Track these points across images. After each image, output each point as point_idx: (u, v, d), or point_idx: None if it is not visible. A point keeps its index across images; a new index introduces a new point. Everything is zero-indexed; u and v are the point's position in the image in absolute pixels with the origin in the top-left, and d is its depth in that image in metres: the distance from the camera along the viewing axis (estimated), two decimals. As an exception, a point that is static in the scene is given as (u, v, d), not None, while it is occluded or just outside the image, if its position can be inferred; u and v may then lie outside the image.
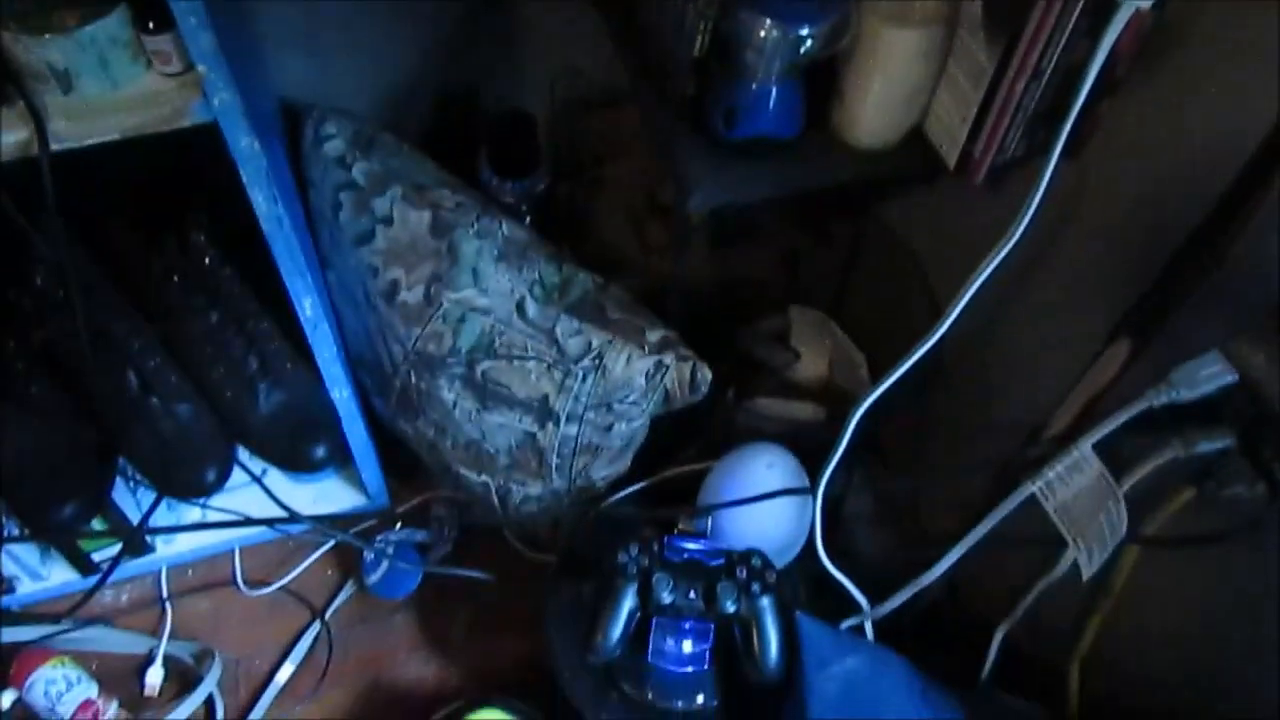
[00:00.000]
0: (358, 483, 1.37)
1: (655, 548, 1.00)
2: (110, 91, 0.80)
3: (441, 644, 1.35)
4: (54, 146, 0.78)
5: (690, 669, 1.04)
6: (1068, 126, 0.77)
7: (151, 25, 0.78)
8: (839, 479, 1.09)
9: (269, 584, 1.36)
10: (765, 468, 1.08)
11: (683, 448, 1.28)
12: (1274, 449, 0.74)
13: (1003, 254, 0.82)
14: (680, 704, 1.04)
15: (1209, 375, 0.76)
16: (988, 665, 1.10)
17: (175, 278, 1.05)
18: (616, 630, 0.99)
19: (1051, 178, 0.79)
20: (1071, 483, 0.84)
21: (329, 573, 1.39)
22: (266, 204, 0.91)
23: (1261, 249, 0.75)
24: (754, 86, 0.89)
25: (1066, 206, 0.92)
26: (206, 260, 1.07)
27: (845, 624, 1.08)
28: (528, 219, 1.31)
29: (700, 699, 1.05)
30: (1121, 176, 0.88)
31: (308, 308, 1.04)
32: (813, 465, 1.07)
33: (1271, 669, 0.82)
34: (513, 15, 1.31)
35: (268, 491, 1.14)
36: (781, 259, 1.44)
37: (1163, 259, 0.81)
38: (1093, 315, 0.91)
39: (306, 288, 1.01)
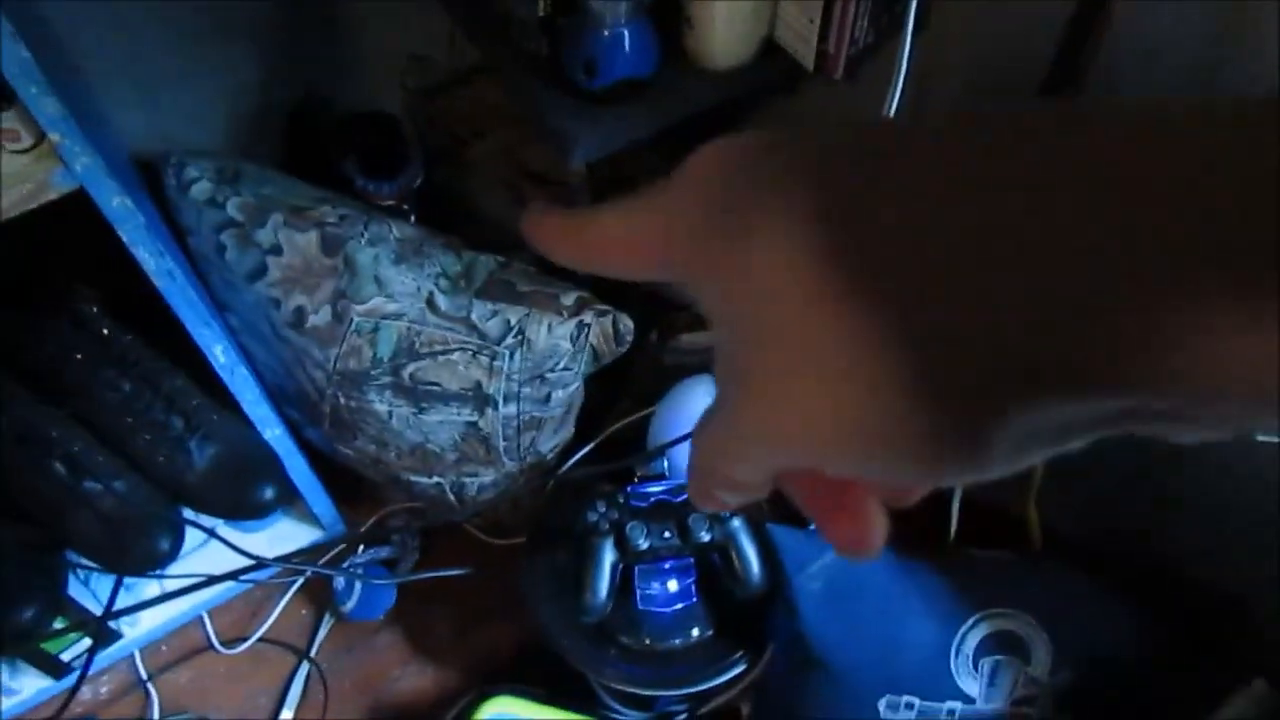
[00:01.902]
0: (309, 517, 1.35)
1: (621, 499, 1.03)
2: (-35, 182, 0.77)
3: (432, 650, 1.35)
4: (-77, 251, 0.75)
5: (680, 605, 1.07)
6: (912, 2, 0.80)
7: (-9, 105, 0.75)
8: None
9: (246, 638, 1.35)
10: (705, 396, 1.11)
11: (618, 401, 1.30)
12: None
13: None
14: (678, 641, 1.07)
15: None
16: (953, 525, 1.15)
17: (77, 355, 1.02)
18: (603, 586, 1.01)
19: (910, 53, 0.82)
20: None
21: (303, 612, 1.38)
22: (154, 260, 0.89)
23: (1119, 59, 0.79)
24: (606, 33, 0.90)
25: (927, 79, 0.96)
26: (104, 330, 1.04)
27: (813, 524, 1.12)
28: (412, 216, 1.31)
29: (696, 631, 1.08)
30: (972, 34, 0.91)
31: (220, 354, 1.02)
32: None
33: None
34: (344, 17, 1.29)
35: (226, 542, 1.12)
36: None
37: (1032, 94, 0.85)
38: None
39: (214, 335, 1.00)
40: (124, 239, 0.86)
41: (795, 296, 0.20)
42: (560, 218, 0.27)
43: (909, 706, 1.02)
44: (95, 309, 1.03)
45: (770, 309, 0.21)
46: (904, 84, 0.83)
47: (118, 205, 0.83)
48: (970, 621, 1.01)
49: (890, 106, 0.84)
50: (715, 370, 0.24)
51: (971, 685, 1.01)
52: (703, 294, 0.23)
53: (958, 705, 1.01)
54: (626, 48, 0.92)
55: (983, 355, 0.18)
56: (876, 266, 0.19)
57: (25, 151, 0.79)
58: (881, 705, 1.01)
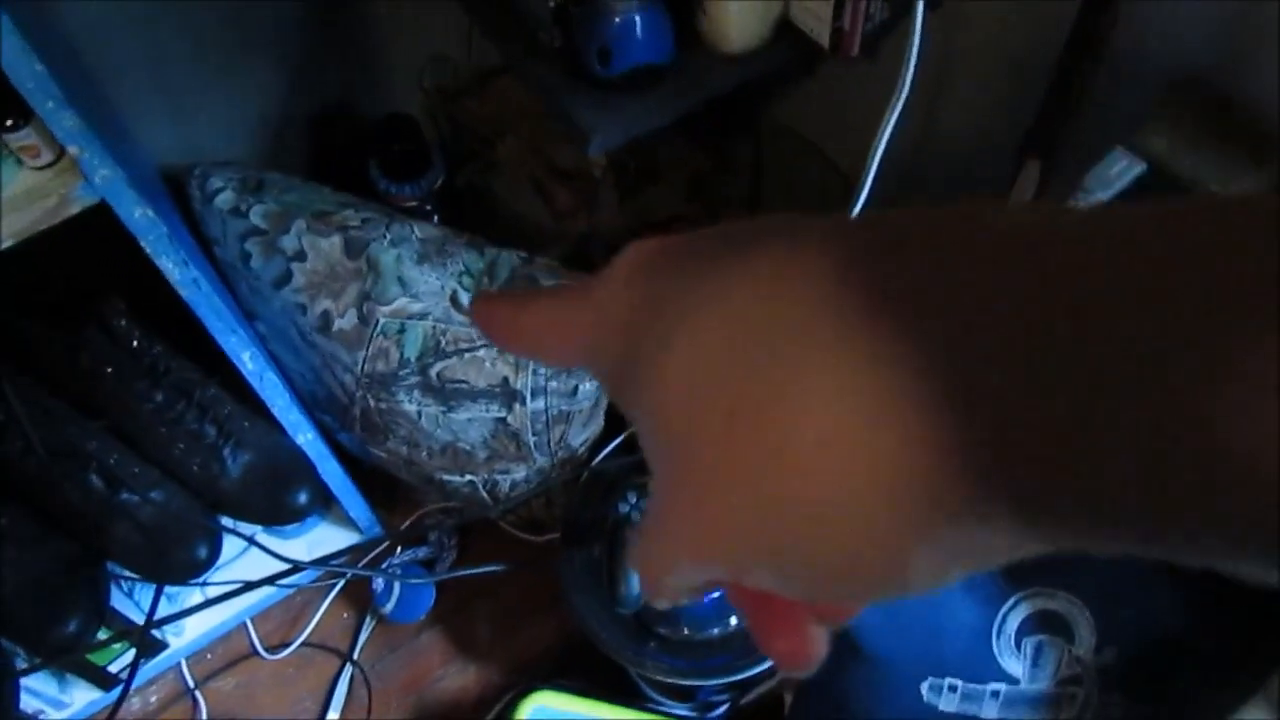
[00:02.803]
0: (346, 521, 1.36)
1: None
2: (-10, 199, 0.78)
3: (473, 648, 1.36)
4: (-49, 269, 0.76)
5: (717, 594, 1.06)
6: (925, -26, 0.78)
7: (10, 123, 0.76)
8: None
9: (290, 643, 1.36)
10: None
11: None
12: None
13: (896, 112, 0.84)
14: (717, 630, 1.07)
15: (1119, 171, 0.79)
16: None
17: (109, 369, 1.03)
18: (637, 579, 1.00)
19: (923, 26, 0.80)
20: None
21: (344, 615, 1.39)
22: (178, 269, 0.90)
23: (1136, 40, 0.78)
24: (618, 20, 0.90)
25: (945, 51, 0.94)
26: (135, 343, 1.05)
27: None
28: (435, 217, 1.31)
29: (734, 620, 1.07)
30: (987, 8, 0.90)
31: (248, 361, 1.03)
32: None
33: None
34: (364, 23, 1.30)
35: (264, 548, 1.13)
36: (689, 189, 1.45)
37: (1047, 70, 0.84)
38: (998, 148, 0.93)
39: (242, 342, 1.00)
40: (147, 250, 0.86)
41: (703, 412, 0.20)
42: (500, 302, 0.27)
43: (952, 689, 1.00)
44: (125, 321, 1.04)
45: (680, 424, 0.20)
46: (917, 61, 0.82)
47: (140, 217, 0.84)
48: (1011, 602, 1.00)
49: (903, 85, 0.83)
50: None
51: (1015, 666, 0.99)
52: (623, 400, 0.23)
53: (1002, 686, 0.99)
54: (639, 34, 0.91)
55: (907, 477, 0.18)
56: (773, 383, 0.19)
57: (46, 167, 0.80)
58: (924, 688, 1.00)
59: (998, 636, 0.99)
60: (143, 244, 0.86)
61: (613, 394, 0.23)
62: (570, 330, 0.24)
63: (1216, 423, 0.14)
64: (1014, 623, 0.99)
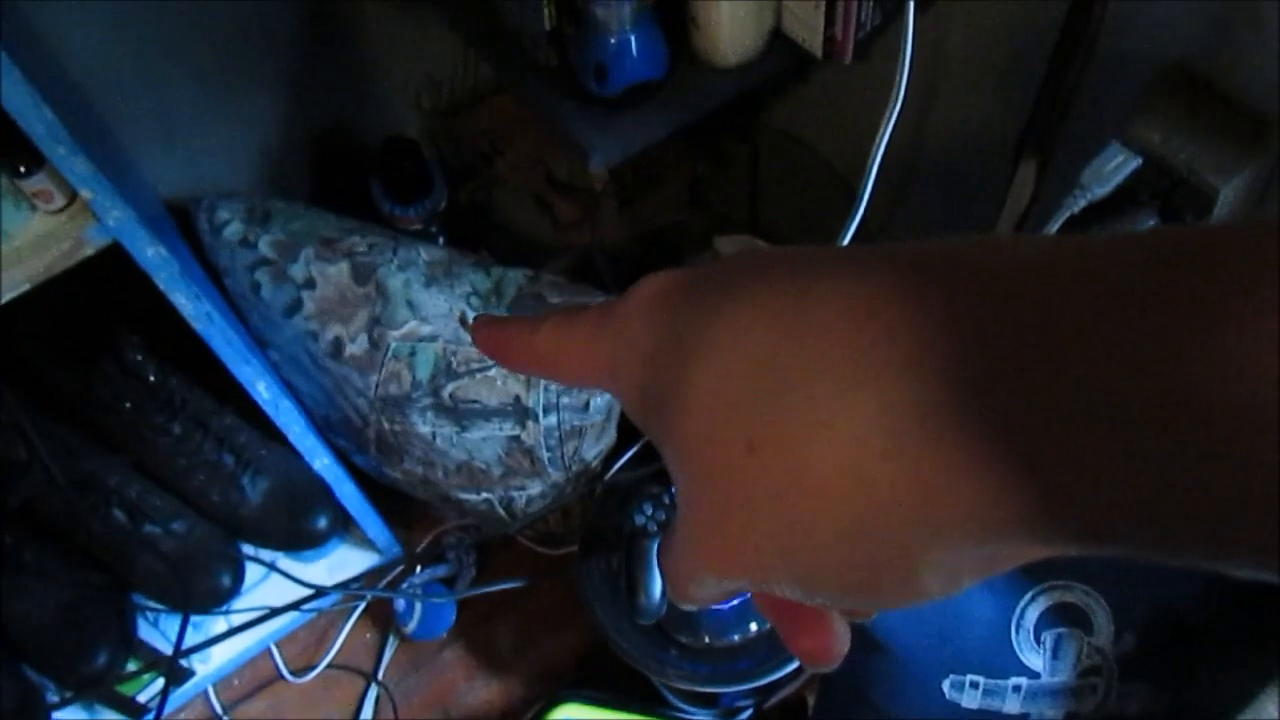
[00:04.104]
0: (366, 542, 1.37)
1: (667, 499, 1.03)
2: (5, 245, 0.80)
3: (496, 663, 1.37)
4: (-30, 315, 0.77)
5: (736, 600, 1.08)
6: (913, -20, 0.79)
7: (23, 169, 0.77)
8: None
9: (315, 666, 1.37)
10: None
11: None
12: (1194, 210, 0.78)
13: (894, 116, 0.85)
14: (737, 636, 1.08)
15: (1116, 166, 0.80)
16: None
17: (127, 403, 1.05)
18: (655, 586, 1.01)
19: (915, 31, 0.81)
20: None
21: (367, 636, 1.40)
22: (191, 304, 0.91)
23: (1123, 30, 0.78)
24: (613, 39, 0.91)
25: (936, 52, 0.95)
26: (151, 377, 1.07)
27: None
28: (441, 238, 1.32)
29: (754, 625, 1.08)
30: (977, 8, 0.91)
31: (263, 390, 1.04)
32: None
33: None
34: (359, 48, 1.31)
35: (286, 574, 1.15)
36: (690, 196, 1.46)
37: (1039, 68, 0.84)
38: (992, 146, 0.94)
39: (256, 371, 1.02)
40: (160, 286, 0.88)
41: (725, 442, 0.21)
42: (510, 325, 0.28)
43: (974, 685, 1.01)
44: (141, 355, 1.06)
45: (703, 452, 0.21)
46: (910, 63, 0.83)
47: (152, 255, 0.85)
48: (1028, 596, 1.00)
49: (899, 88, 0.84)
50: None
51: (1035, 659, 1.00)
52: (644, 425, 0.24)
53: (1023, 680, 1.00)
54: (634, 52, 0.93)
55: (917, 501, 0.19)
56: (793, 414, 0.20)
57: (59, 211, 0.81)
58: (946, 685, 1.01)
59: (1017, 631, 0.99)
60: (156, 281, 0.87)
61: (633, 417, 0.24)
62: (586, 356, 0.25)
63: (1218, 457, 0.15)
64: (1032, 616, 0.99)
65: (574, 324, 0.26)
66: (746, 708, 1.17)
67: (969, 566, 0.21)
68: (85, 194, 0.78)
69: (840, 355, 0.19)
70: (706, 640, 1.07)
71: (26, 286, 0.79)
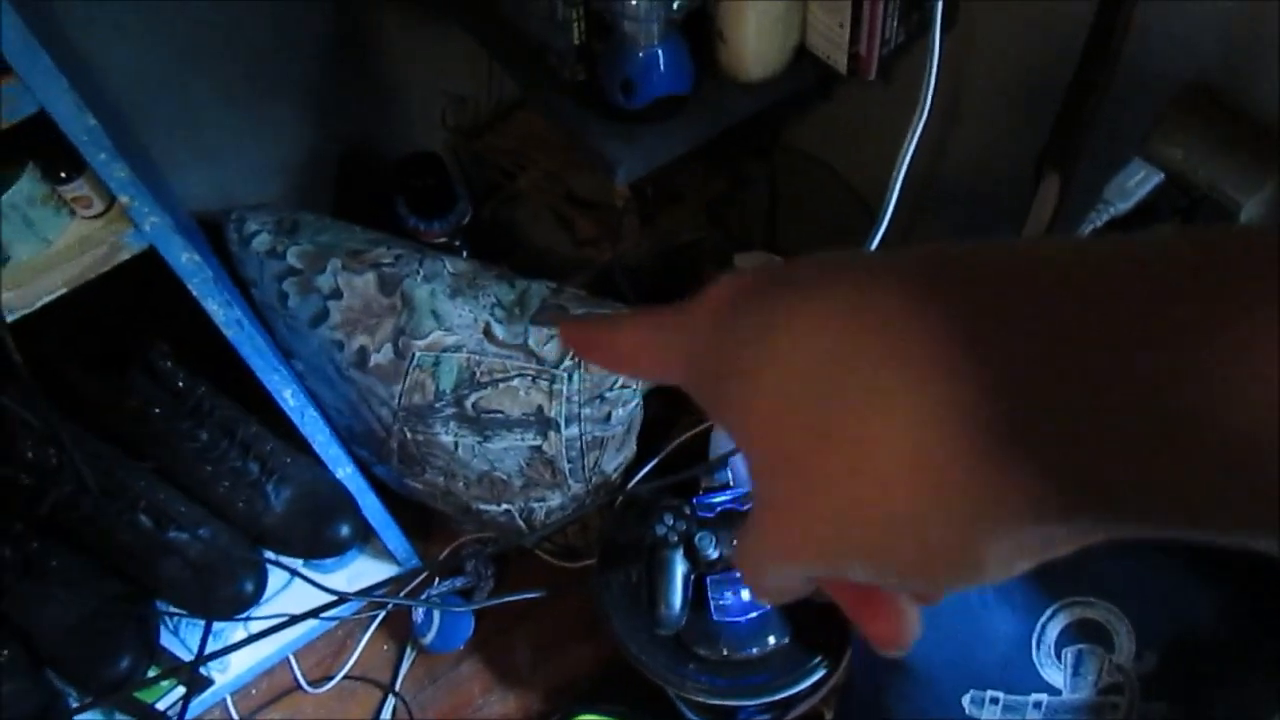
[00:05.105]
0: (385, 554, 1.38)
1: (688, 511, 1.03)
2: (44, 249, 0.81)
3: (513, 677, 1.37)
4: (9, 319, 0.78)
5: (755, 614, 1.08)
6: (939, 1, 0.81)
7: (64, 174, 0.79)
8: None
9: (332, 677, 1.37)
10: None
11: (678, 417, 1.31)
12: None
13: (918, 132, 0.86)
14: (756, 650, 1.08)
15: (1137, 182, 0.80)
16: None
17: (156, 409, 1.06)
18: (676, 597, 1.02)
19: (940, 50, 0.83)
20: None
21: (384, 648, 1.40)
22: (223, 310, 0.92)
23: (1144, 47, 0.79)
24: (641, 54, 0.92)
25: (959, 70, 0.96)
26: (180, 384, 1.08)
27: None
28: (464, 252, 1.34)
29: (772, 639, 1.08)
30: (1000, 27, 0.92)
31: (290, 398, 1.05)
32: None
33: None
34: (385, 64, 1.33)
35: (308, 579, 1.15)
36: (709, 214, 1.48)
37: (1061, 84, 0.85)
38: (1015, 163, 0.95)
39: (283, 380, 1.03)
40: (194, 292, 0.89)
41: (797, 429, 0.22)
42: (593, 325, 0.30)
43: (994, 701, 1.01)
44: (170, 363, 1.07)
45: (778, 440, 0.23)
46: (936, 82, 0.84)
47: (186, 261, 0.87)
48: (1049, 612, 1.00)
49: (924, 106, 0.85)
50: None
51: (1056, 676, 1.00)
52: (716, 417, 0.25)
53: (1044, 697, 1.00)
54: (662, 66, 0.94)
55: (973, 485, 0.20)
56: (857, 404, 0.21)
57: (97, 216, 0.83)
58: (966, 701, 1.01)
59: (1037, 647, 0.99)
60: (189, 286, 0.88)
61: (706, 410, 0.26)
62: (664, 353, 0.27)
63: (1231, 426, 0.17)
64: (1053, 632, 0.99)
65: (651, 322, 0.28)
66: (764, 723, 1.17)
67: (1028, 548, 0.22)
68: (123, 200, 0.79)
69: (893, 359, 0.21)
70: (725, 653, 1.07)
71: (63, 290, 0.81)
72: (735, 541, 0.27)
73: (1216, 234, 0.18)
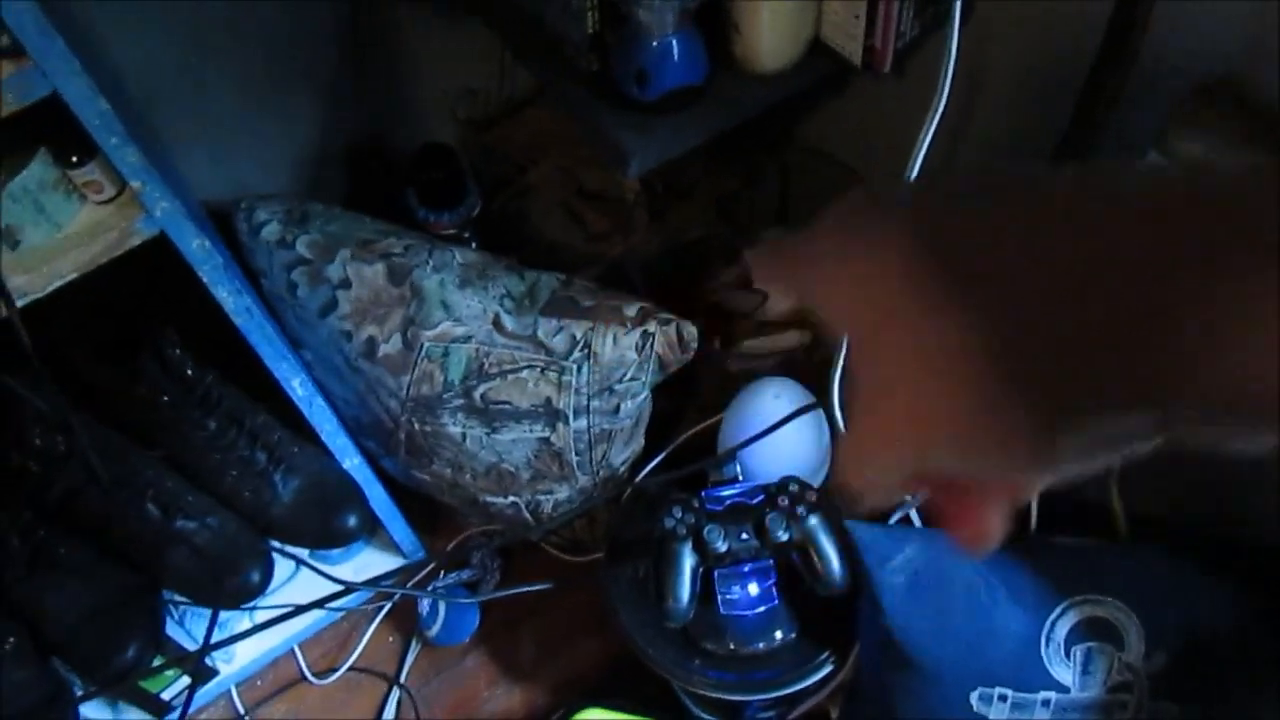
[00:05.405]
0: (390, 545, 1.38)
1: (696, 504, 1.03)
2: (55, 234, 0.81)
3: (519, 670, 1.36)
4: (20, 303, 0.78)
5: (762, 609, 1.07)
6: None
7: (75, 159, 0.79)
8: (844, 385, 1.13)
9: (338, 668, 1.37)
10: (773, 399, 1.11)
11: (685, 411, 1.31)
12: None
13: (934, 125, 0.85)
14: (762, 645, 1.07)
15: (1154, 176, 0.80)
16: (1033, 518, 1.13)
17: (165, 397, 1.06)
18: (684, 590, 1.01)
19: (958, 44, 0.82)
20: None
21: (390, 639, 1.40)
22: (232, 298, 0.92)
23: (1164, 41, 0.79)
24: (655, 44, 0.92)
25: (973, 64, 0.96)
26: (189, 372, 1.08)
27: (893, 518, 1.12)
28: (474, 244, 1.33)
29: (779, 634, 1.07)
30: (1016, 21, 0.92)
31: (298, 387, 1.05)
32: (814, 384, 1.10)
33: None
34: (398, 56, 1.33)
35: (315, 568, 1.15)
36: (718, 210, 1.47)
37: (1077, 79, 0.85)
38: (1029, 158, 0.94)
39: (292, 369, 1.03)
40: (204, 279, 0.89)
41: (872, 326, 0.26)
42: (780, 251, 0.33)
43: (1002, 698, 1.00)
44: (178, 351, 1.07)
45: (862, 340, 0.27)
46: (953, 76, 0.84)
47: (197, 247, 0.86)
48: (1059, 609, 1.00)
49: (940, 100, 0.85)
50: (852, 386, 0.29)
51: (1065, 674, 0.99)
52: (828, 315, 0.29)
53: (1052, 695, 0.99)
54: (676, 57, 0.94)
55: (1062, 375, 0.23)
56: (979, 296, 0.24)
57: (108, 202, 0.82)
58: (974, 698, 1.00)
59: (1046, 644, 0.99)
60: (199, 273, 0.88)
61: (815, 309, 0.30)
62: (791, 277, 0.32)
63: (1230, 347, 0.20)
64: (1062, 630, 0.99)
65: (779, 254, 0.32)
66: (769, 717, 1.17)
67: (1103, 442, 0.24)
68: (135, 185, 0.79)
69: (916, 278, 0.25)
70: (732, 647, 1.07)
71: (74, 275, 0.81)
72: (834, 455, 0.31)
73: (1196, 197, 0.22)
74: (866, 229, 0.28)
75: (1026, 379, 0.23)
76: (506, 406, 1.11)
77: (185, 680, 1.25)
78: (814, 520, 1.00)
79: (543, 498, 1.22)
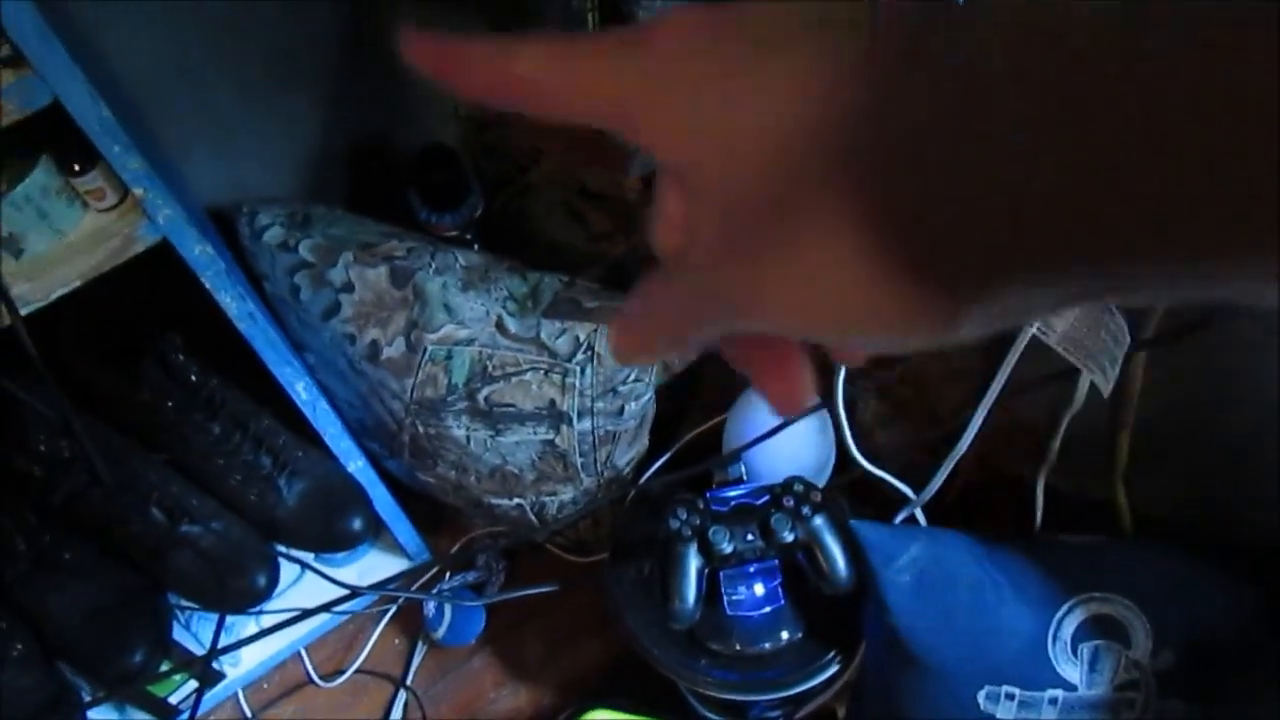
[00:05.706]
0: (395, 548, 1.38)
1: (701, 505, 1.03)
2: (58, 241, 0.81)
3: (525, 671, 1.37)
4: (24, 311, 0.78)
5: (768, 609, 1.07)
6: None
7: (78, 167, 0.79)
8: (848, 385, 1.13)
9: (344, 671, 1.37)
10: (778, 400, 1.11)
11: (690, 411, 1.30)
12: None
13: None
14: (768, 645, 1.07)
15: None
16: (1038, 516, 1.13)
17: (169, 402, 1.06)
18: (690, 591, 1.01)
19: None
20: (1066, 313, 0.88)
21: (396, 642, 1.40)
22: (235, 303, 0.92)
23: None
24: (655, 45, 0.92)
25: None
26: (192, 376, 1.08)
27: (898, 517, 1.12)
28: (476, 245, 1.33)
29: (785, 635, 1.07)
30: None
31: (302, 391, 1.05)
32: (821, 382, 1.10)
33: None
34: (399, 58, 1.32)
35: (321, 573, 1.15)
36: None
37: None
38: None
39: (296, 373, 1.03)
40: (206, 285, 0.89)
41: (788, 173, 0.21)
42: (459, 45, 0.25)
43: (1009, 697, 1.00)
44: (182, 355, 1.07)
45: (762, 186, 0.21)
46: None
47: (199, 253, 0.86)
48: (1065, 607, 1.00)
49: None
50: (693, 228, 0.24)
51: (1072, 672, 0.99)
52: (678, 161, 0.23)
53: (1059, 693, 0.99)
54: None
55: (965, 240, 0.19)
56: (869, 150, 0.20)
57: (111, 209, 0.82)
58: (981, 697, 1.00)
59: (1053, 642, 0.99)
60: (202, 279, 0.88)
61: (656, 153, 0.24)
62: (597, 87, 0.24)
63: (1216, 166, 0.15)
64: (1069, 628, 0.99)
65: (581, 49, 0.24)
66: (775, 718, 1.17)
67: (1005, 313, 0.20)
68: (138, 192, 0.79)
69: (841, 133, 0.20)
70: (737, 648, 1.07)
71: (77, 283, 0.81)
72: (655, 277, 0.27)
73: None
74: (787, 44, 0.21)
75: (941, 246, 0.19)
76: (510, 409, 1.11)
77: (192, 684, 1.26)
78: (819, 520, 1.00)
79: (547, 499, 1.22)
